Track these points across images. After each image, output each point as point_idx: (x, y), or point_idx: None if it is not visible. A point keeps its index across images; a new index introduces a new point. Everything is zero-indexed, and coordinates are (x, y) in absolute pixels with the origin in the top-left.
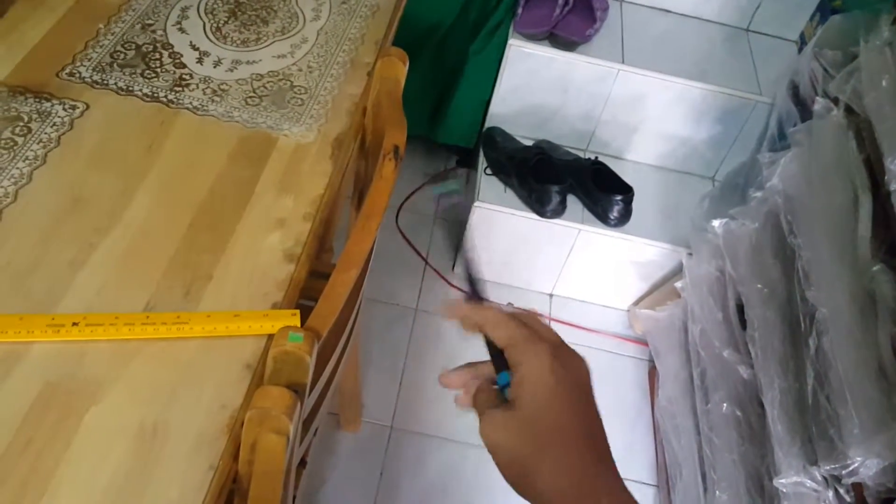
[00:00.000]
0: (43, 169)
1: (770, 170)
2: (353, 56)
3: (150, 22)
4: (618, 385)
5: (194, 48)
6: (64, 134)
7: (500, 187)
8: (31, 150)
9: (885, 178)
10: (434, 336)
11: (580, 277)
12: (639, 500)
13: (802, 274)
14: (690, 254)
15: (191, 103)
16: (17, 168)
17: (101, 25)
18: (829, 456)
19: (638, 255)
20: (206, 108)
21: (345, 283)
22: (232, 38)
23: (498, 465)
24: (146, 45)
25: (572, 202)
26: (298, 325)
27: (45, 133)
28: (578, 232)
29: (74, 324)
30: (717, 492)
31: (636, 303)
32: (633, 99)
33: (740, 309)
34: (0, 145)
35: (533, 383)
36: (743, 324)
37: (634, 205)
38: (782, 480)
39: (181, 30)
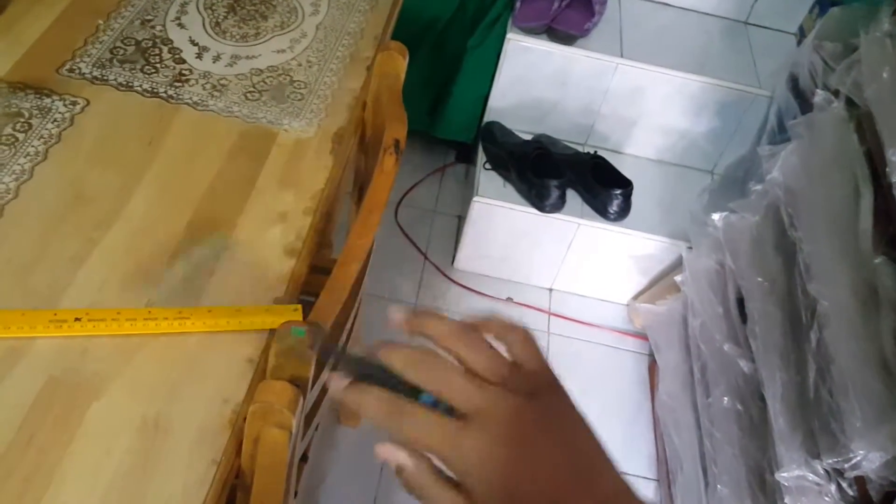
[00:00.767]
0: (44, 165)
1: (770, 162)
2: (352, 51)
3: (149, 17)
4: (617, 380)
5: (194, 43)
6: (64, 130)
7: (499, 182)
8: (32, 146)
9: (886, 169)
10: None
11: (580, 272)
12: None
13: (803, 267)
14: (690, 247)
15: (191, 98)
16: (19, 164)
17: (100, 21)
18: (832, 449)
19: (637, 249)
20: (205, 103)
21: (347, 277)
22: (231, 33)
23: None
24: (146, 41)
25: (571, 196)
26: (300, 319)
27: (46, 129)
28: (578, 226)
29: (77, 319)
30: (719, 486)
31: (636, 297)
32: (632, 93)
33: (741, 302)
34: (1, 141)
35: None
36: (743, 317)
37: (634, 199)
38: (784, 474)
39: (180, 25)
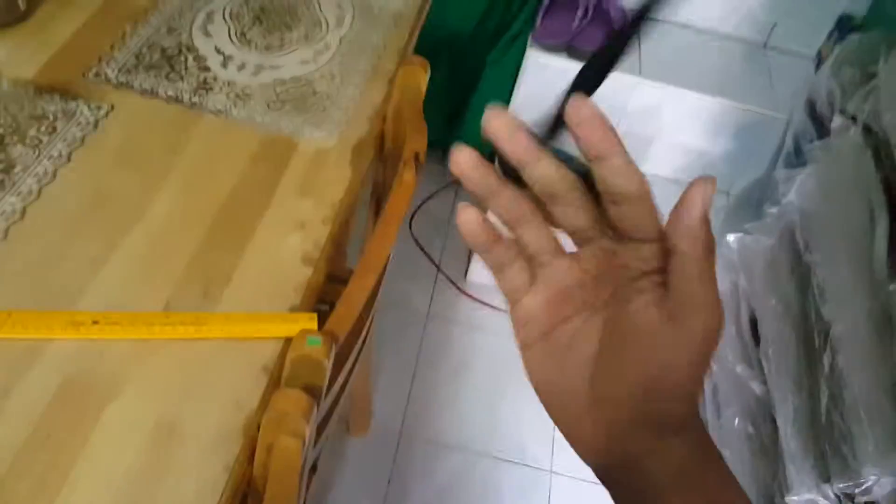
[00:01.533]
0: (67, 167)
1: (786, 186)
2: (374, 63)
3: (175, 25)
4: None
5: (218, 52)
6: (89, 134)
7: None
8: (56, 149)
9: None
10: (445, 342)
11: None
12: None
13: (818, 290)
14: None
15: (214, 106)
16: (42, 166)
17: (127, 27)
18: (843, 473)
19: None
20: (228, 111)
21: (363, 288)
22: (256, 42)
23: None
24: (171, 48)
25: None
26: (316, 328)
27: (71, 132)
28: None
29: (95, 322)
30: None
31: None
32: (649, 111)
33: (754, 324)
34: (26, 143)
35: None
36: (756, 339)
37: None
38: (794, 497)
39: (206, 33)
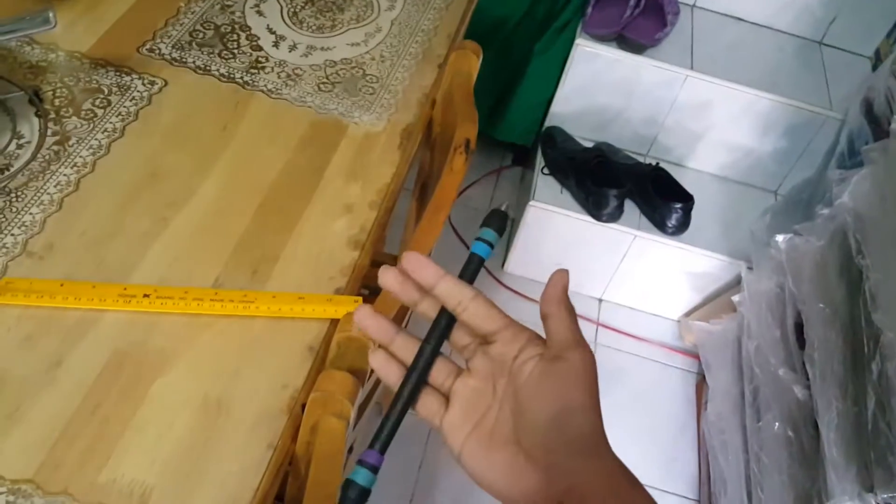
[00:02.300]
0: (121, 141)
1: (840, 187)
2: (425, 47)
3: (229, 3)
4: (663, 396)
5: (271, 31)
6: (142, 108)
7: (556, 188)
8: (110, 123)
9: None
10: None
11: (632, 284)
12: None
13: (869, 296)
14: (750, 267)
15: (265, 86)
16: (96, 139)
17: (181, 3)
18: (888, 483)
19: (694, 266)
20: (279, 91)
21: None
22: (308, 23)
23: None
24: (224, 26)
25: (629, 207)
26: None
27: (124, 106)
28: (634, 238)
29: (146, 295)
30: None
31: (688, 314)
32: (699, 106)
33: (799, 327)
34: (81, 115)
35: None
36: (801, 343)
37: (693, 214)
38: None
39: (259, 12)
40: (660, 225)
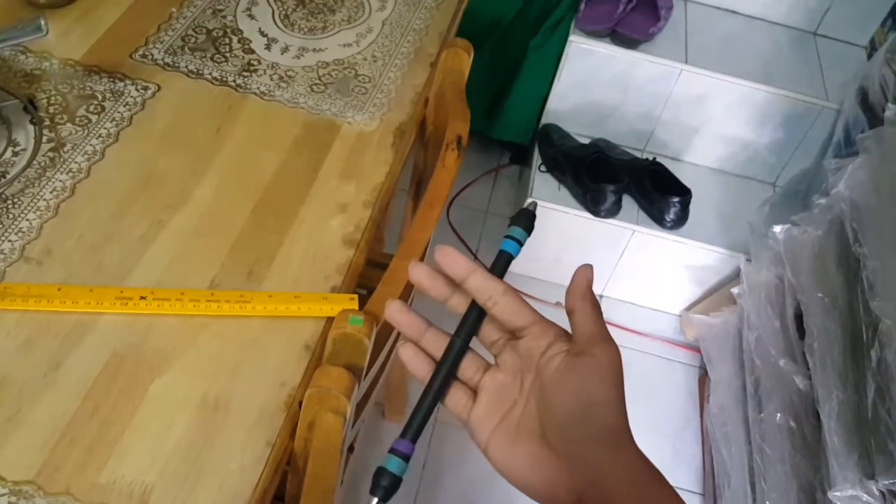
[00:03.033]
0: (115, 146)
1: (836, 176)
2: (417, 47)
3: (220, 7)
4: (666, 391)
5: (263, 34)
6: (136, 113)
7: (554, 185)
8: (105, 128)
9: None
10: None
11: (632, 279)
12: None
13: (867, 284)
14: (749, 259)
15: (258, 88)
16: (91, 144)
17: (173, 9)
18: (889, 470)
19: (693, 259)
20: (272, 93)
21: (405, 270)
22: (299, 25)
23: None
24: (216, 30)
25: (627, 203)
26: (357, 309)
27: (118, 112)
28: (632, 233)
29: (142, 297)
30: (767, 502)
31: (689, 308)
32: (694, 100)
33: (799, 318)
34: (75, 122)
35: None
36: (801, 333)
37: (691, 208)
38: (837, 493)
39: (251, 16)
40: (658, 219)
